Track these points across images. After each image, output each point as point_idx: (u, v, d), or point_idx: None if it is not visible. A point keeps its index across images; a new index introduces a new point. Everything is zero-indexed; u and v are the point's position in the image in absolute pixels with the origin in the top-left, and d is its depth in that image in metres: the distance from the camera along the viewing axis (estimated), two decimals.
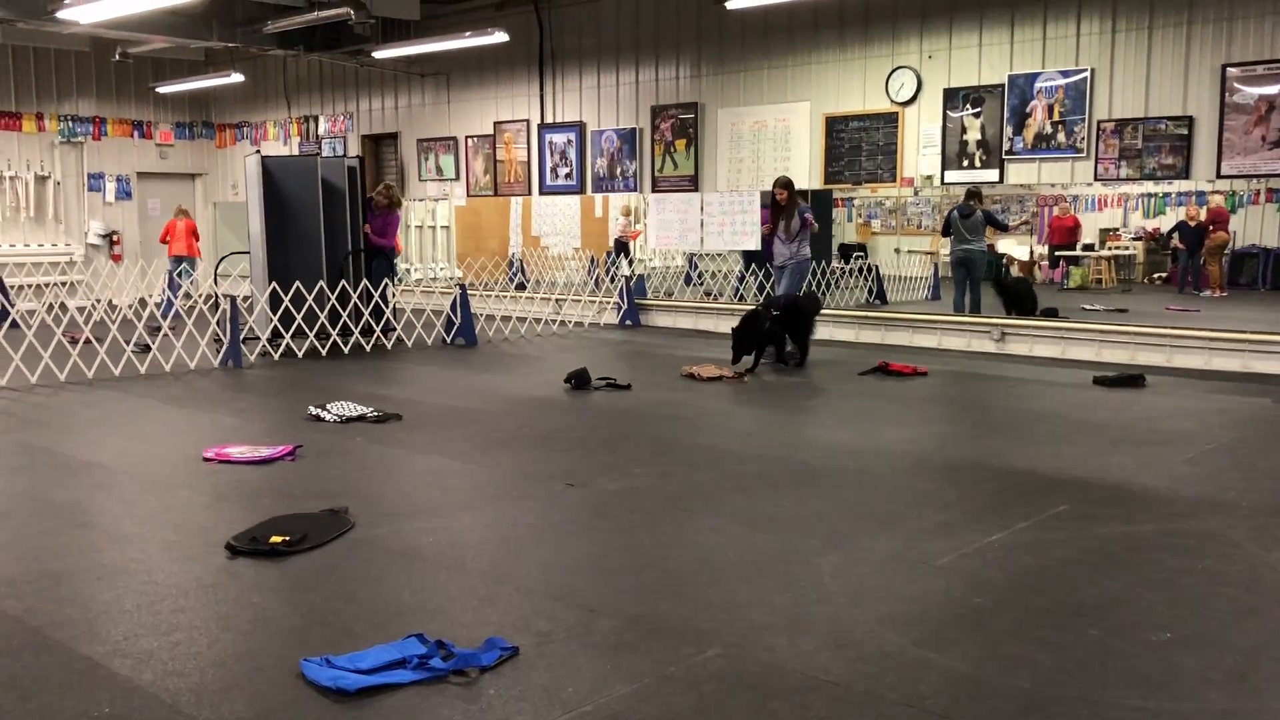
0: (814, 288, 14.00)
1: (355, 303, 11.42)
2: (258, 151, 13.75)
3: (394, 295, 12.11)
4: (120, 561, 4.55)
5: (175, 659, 3.52)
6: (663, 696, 3.23)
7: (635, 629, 3.75)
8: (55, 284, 17.18)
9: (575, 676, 3.37)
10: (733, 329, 10.24)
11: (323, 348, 11.18)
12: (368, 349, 11.48)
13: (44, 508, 5.42)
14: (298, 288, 10.93)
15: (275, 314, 10.88)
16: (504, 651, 3.50)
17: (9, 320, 11.95)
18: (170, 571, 4.42)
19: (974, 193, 12.51)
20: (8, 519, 5.24)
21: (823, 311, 12.86)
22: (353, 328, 11.35)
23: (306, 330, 11.03)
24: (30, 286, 16.96)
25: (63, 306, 13.23)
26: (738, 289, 14.61)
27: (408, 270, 18.55)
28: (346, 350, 11.36)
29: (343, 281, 11.39)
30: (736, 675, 3.38)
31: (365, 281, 11.63)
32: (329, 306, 11.28)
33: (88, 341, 10.30)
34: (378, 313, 11.71)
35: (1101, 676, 3.38)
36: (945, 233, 13.05)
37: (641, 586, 4.20)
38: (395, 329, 11.93)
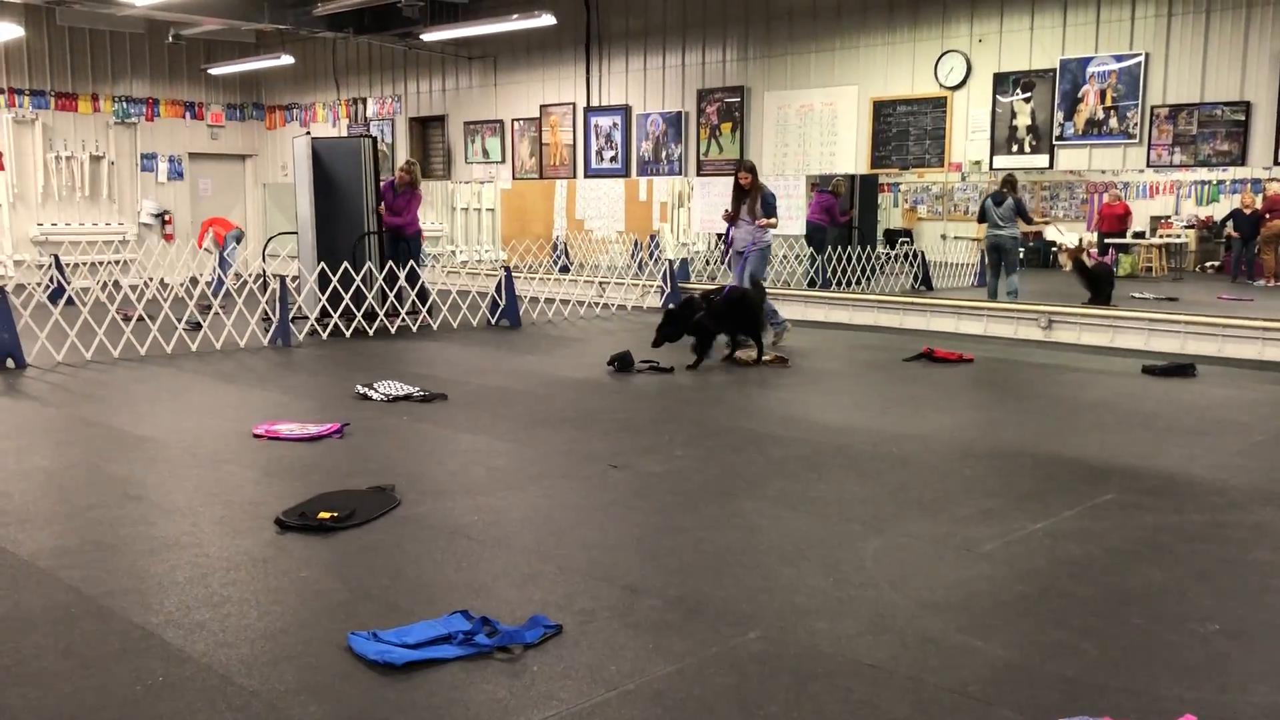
0: (821, 274, 13.94)
1: (381, 285, 11.40)
2: (307, 133, 13.87)
3: (403, 279, 11.97)
4: (172, 534, 4.64)
5: (226, 630, 3.60)
6: (704, 676, 3.26)
7: (677, 609, 3.77)
8: (109, 262, 17.48)
9: (618, 655, 3.40)
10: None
11: (370, 327, 11.29)
12: (392, 331, 11.57)
13: (99, 481, 5.54)
14: (346, 268, 11.05)
15: (330, 293, 10.99)
16: (548, 629, 3.54)
17: (65, 297, 12.18)
18: (221, 545, 4.50)
19: (1009, 180, 12.61)
20: (64, 491, 5.36)
21: (863, 297, 12.80)
22: (377, 309, 11.32)
23: (354, 310, 11.14)
24: (85, 264, 17.27)
25: (116, 284, 13.46)
26: (808, 272, 14.52)
27: (453, 252, 18.67)
28: (371, 331, 11.46)
29: (368, 265, 11.44)
30: (777, 657, 3.40)
31: (391, 264, 11.59)
32: (376, 287, 11.39)
33: (140, 319, 10.49)
34: (407, 295, 11.70)
35: (1147, 666, 3.35)
36: (981, 219, 13.17)
37: (683, 567, 4.22)
38: (421, 312, 11.90)
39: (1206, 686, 3.21)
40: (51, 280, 14.10)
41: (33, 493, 5.37)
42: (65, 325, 9.75)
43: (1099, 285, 12.16)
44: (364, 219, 11.67)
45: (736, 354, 9.65)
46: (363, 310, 11.27)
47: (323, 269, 11.08)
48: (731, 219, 10.61)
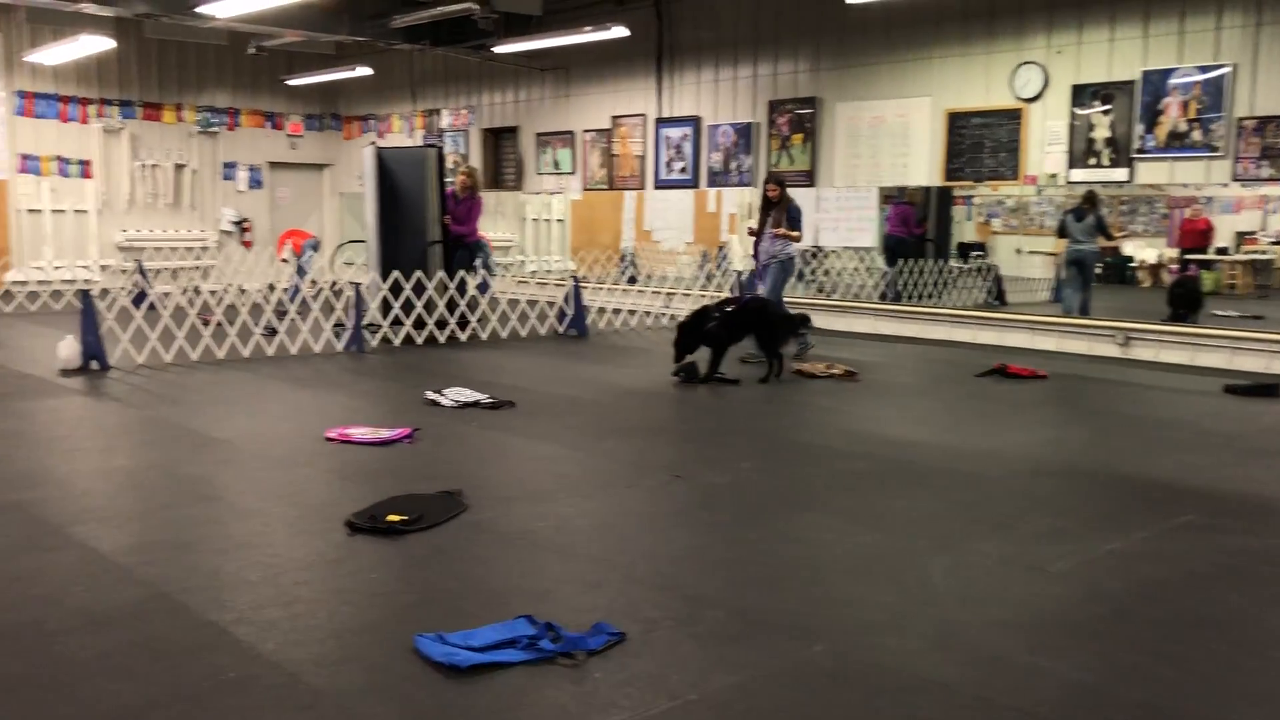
0: (894, 287, 13.74)
1: (431, 294, 11.40)
2: (373, 143, 14.09)
3: (471, 288, 11.95)
4: (245, 534, 4.74)
5: (296, 629, 3.66)
6: (767, 690, 3.23)
7: (741, 621, 3.76)
8: (190, 268, 17.93)
9: (680, 665, 3.39)
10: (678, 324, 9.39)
11: (441, 335, 11.43)
12: (462, 339, 11.68)
13: (176, 481, 5.68)
14: (418, 277, 11.20)
15: (398, 300, 11.15)
16: (611, 637, 3.54)
17: (147, 302, 12.51)
18: (292, 545, 4.59)
19: (1090, 196, 12.46)
20: (141, 490, 5.51)
21: (935, 311, 12.62)
22: (427, 319, 11.29)
23: (426, 318, 11.28)
24: (167, 270, 17.73)
25: (196, 290, 13.80)
26: (878, 285, 14.40)
27: (522, 262, 18.82)
28: (442, 339, 11.58)
29: (439, 274, 11.55)
30: (842, 672, 3.36)
31: (441, 273, 11.63)
32: (448, 296, 11.53)
33: (219, 324, 10.73)
34: (454, 306, 11.65)
35: (1224, 693, 3.26)
36: (1060, 234, 13.01)
37: (747, 580, 4.20)
38: (470, 322, 11.82)
39: None
40: (135, 285, 14.49)
41: (113, 491, 5.52)
42: (147, 329, 10.02)
43: (1190, 301, 12.00)
44: (428, 228, 11.76)
45: (799, 366, 9.59)
46: (434, 318, 11.40)
47: (395, 278, 11.23)
48: (757, 232, 10.50)
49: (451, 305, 11.74)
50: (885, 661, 3.44)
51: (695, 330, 9.17)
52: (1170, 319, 11.85)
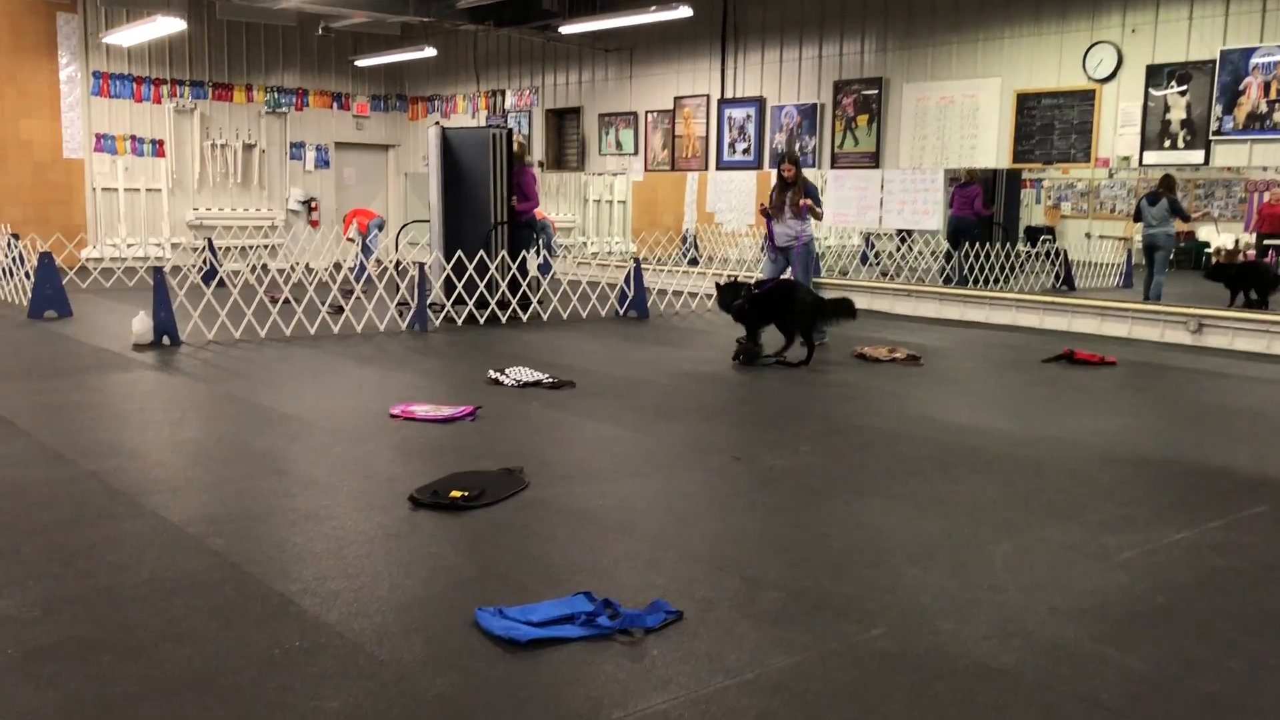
0: (959, 270, 13.52)
1: (493, 275, 11.47)
2: (437, 123, 14.18)
3: (532, 268, 11.89)
4: (312, 507, 4.82)
5: (359, 601, 3.72)
6: (825, 671, 3.23)
7: (799, 603, 3.75)
8: (258, 246, 18.24)
9: (737, 645, 3.39)
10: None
11: (503, 315, 11.51)
12: (524, 319, 11.74)
13: (244, 454, 5.80)
14: (481, 257, 11.29)
15: (460, 280, 11.24)
16: (668, 615, 3.56)
17: (216, 279, 12.76)
18: (357, 519, 4.66)
19: (1166, 180, 12.25)
20: (211, 462, 5.63)
21: (1001, 296, 12.43)
22: (489, 299, 11.36)
23: (488, 298, 11.37)
24: (236, 248, 18.07)
25: (264, 268, 14.04)
26: (944, 269, 14.26)
27: (584, 244, 18.86)
28: (504, 319, 11.65)
29: (502, 254, 11.62)
30: (900, 655, 3.34)
31: (504, 253, 11.67)
32: (510, 276, 11.60)
33: (286, 301, 10.91)
34: (515, 286, 11.70)
35: None
36: (1136, 218, 12.81)
37: (806, 562, 4.19)
38: (531, 303, 11.80)
39: None
40: (205, 263, 14.78)
41: (184, 463, 5.65)
42: (216, 305, 10.22)
43: (1261, 281, 11.74)
44: (491, 209, 11.82)
45: (861, 350, 9.51)
46: (496, 298, 11.49)
47: (458, 258, 11.32)
48: (773, 213, 10.17)
49: (514, 285, 11.81)
50: (945, 646, 3.41)
51: (730, 296, 9.25)
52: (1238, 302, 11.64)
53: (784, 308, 9.03)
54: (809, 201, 10.14)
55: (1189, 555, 4.33)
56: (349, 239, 16.08)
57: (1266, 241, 17.71)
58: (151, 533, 4.42)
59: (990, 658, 3.33)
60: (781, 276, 10.03)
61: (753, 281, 9.62)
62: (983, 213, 14.20)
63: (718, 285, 9.56)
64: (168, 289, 9.58)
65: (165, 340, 9.48)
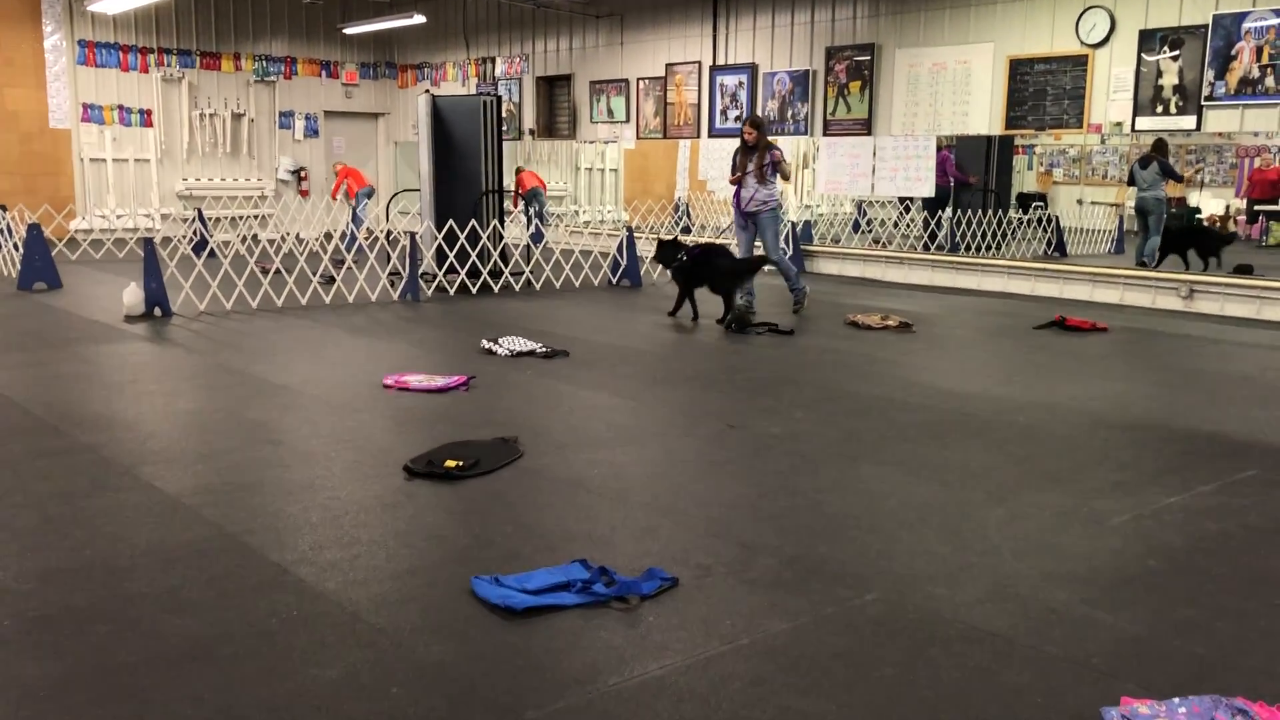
0: (962, 236, 13.56)
1: (485, 243, 11.43)
2: (428, 91, 14.07)
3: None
4: (307, 478, 4.83)
5: (356, 570, 3.74)
6: (819, 636, 3.26)
7: (793, 569, 3.78)
8: (248, 217, 18.16)
9: (733, 610, 3.42)
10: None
11: (495, 284, 11.49)
12: (516, 289, 11.72)
13: (239, 425, 5.80)
14: (472, 226, 11.25)
15: (452, 250, 11.21)
16: (664, 581, 3.58)
17: (207, 250, 12.71)
18: (352, 489, 4.67)
19: (1158, 143, 12.23)
20: (206, 433, 5.63)
21: (992, 262, 12.45)
22: (481, 268, 11.29)
23: (480, 267, 11.34)
24: (226, 219, 17.98)
25: (255, 238, 13.98)
26: (922, 236, 14.30)
27: (576, 212, 18.80)
28: (496, 288, 11.63)
29: (493, 223, 11.60)
30: (894, 620, 3.37)
31: (495, 222, 11.63)
32: (501, 245, 11.56)
33: (278, 272, 10.88)
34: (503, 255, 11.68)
35: None
36: (1130, 182, 12.81)
37: (801, 528, 4.21)
38: (503, 272, 11.65)
39: None
40: (195, 233, 14.72)
41: (178, 434, 5.65)
42: (208, 276, 10.18)
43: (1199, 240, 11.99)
44: (482, 177, 11.79)
45: (853, 317, 9.52)
46: (489, 267, 11.46)
47: (450, 227, 11.29)
48: (738, 179, 9.86)
49: (504, 255, 11.79)
50: (939, 611, 3.44)
51: (671, 251, 9.69)
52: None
53: (711, 269, 9.47)
54: (779, 153, 9.81)
55: (1180, 519, 4.37)
56: (335, 198, 16.01)
57: (1257, 207, 17.74)
58: (148, 504, 4.43)
59: (983, 622, 3.37)
60: (754, 246, 9.97)
61: (691, 245, 9.86)
62: (959, 177, 14.21)
63: (659, 241, 9.84)
64: (158, 260, 9.54)
65: (157, 311, 9.45)
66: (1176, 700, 2.81)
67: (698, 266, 9.52)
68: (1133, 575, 3.78)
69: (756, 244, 10.02)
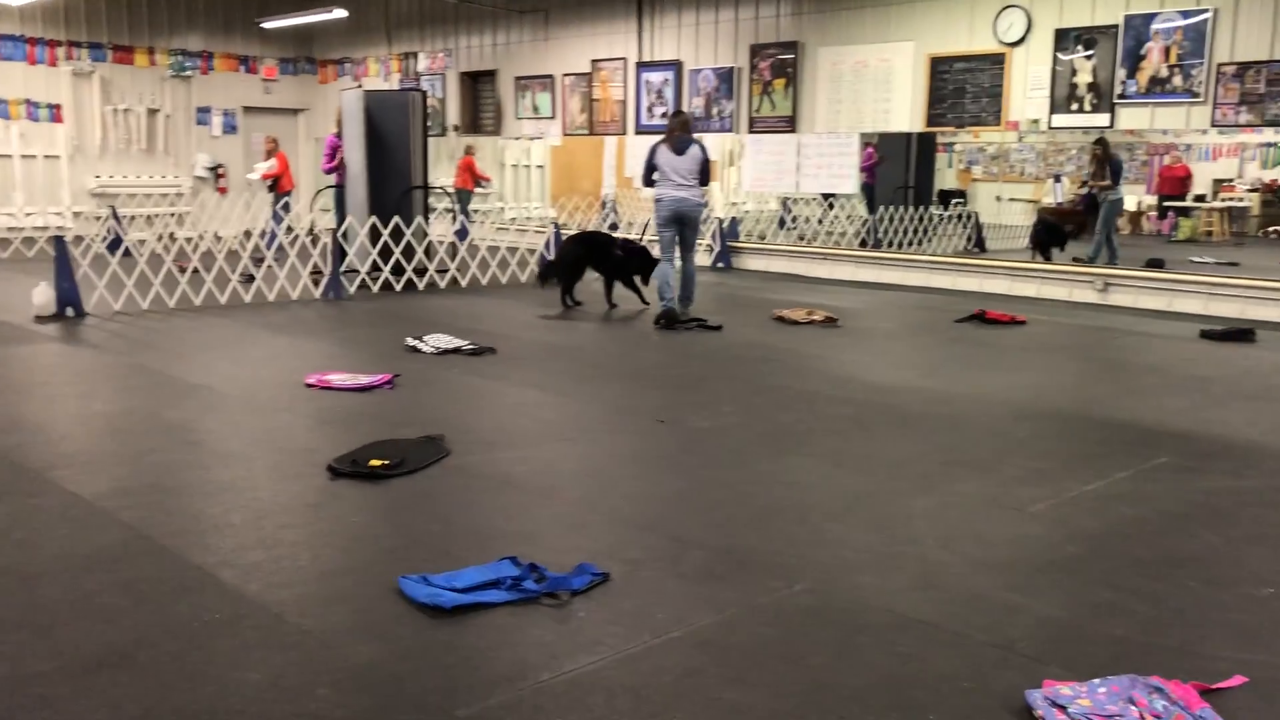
0: (886, 233, 13.78)
1: (410, 240, 11.26)
2: (359, 85, 13.89)
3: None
4: (228, 479, 4.73)
5: (280, 571, 3.67)
6: (750, 626, 3.27)
7: (724, 561, 3.79)
8: (165, 215, 17.71)
9: (664, 603, 3.42)
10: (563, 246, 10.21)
11: (420, 282, 11.36)
12: (442, 285, 11.62)
13: (156, 426, 5.65)
14: (397, 222, 11.11)
15: (376, 246, 11.04)
16: (595, 577, 3.57)
17: (122, 248, 12.37)
18: (275, 490, 4.58)
19: (1099, 141, 12.71)
20: (123, 436, 5.48)
21: (915, 258, 12.65)
22: (406, 265, 11.15)
23: (405, 264, 11.20)
24: (141, 217, 17.51)
25: (171, 236, 13.64)
26: (859, 232, 14.47)
27: (502, 209, 18.66)
28: (421, 285, 11.52)
29: (417, 219, 11.47)
30: (823, 610, 3.40)
31: (419, 219, 11.51)
32: (426, 242, 11.43)
33: (195, 270, 10.63)
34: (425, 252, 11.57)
35: (1199, 628, 3.32)
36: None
37: (730, 521, 4.23)
38: (427, 269, 11.53)
39: (1260, 649, 3.16)
40: (109, 232, 14.31)
41: (93, 437, 5.49)
42: (123, 275, 9.91)
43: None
44: (411, 173, 11.66)
45: (780, 313, 9.60)
46: (414, 264, 11.33)
47: (372, 223, 11.12)
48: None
49: (429, 251, 11.66)
50: (867, 600, 3.48)
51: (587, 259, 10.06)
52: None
53: (560, 262, 10.00)
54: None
55: (1097, 505, 4.47)
56: (263, 176, 15.68)
57: (1166, 204, 18.25)
58: (61, 508, 4.29)
59: (911, 609, 3.41)
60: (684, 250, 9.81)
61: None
62: (870, 175, 14.58)
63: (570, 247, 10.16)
64: (70, 259, 9.26)
65: (69, 312, 9.17)
66: (1096, 681, 2.87)
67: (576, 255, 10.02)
68: (1054, 561, 3.86)
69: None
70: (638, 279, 10.14)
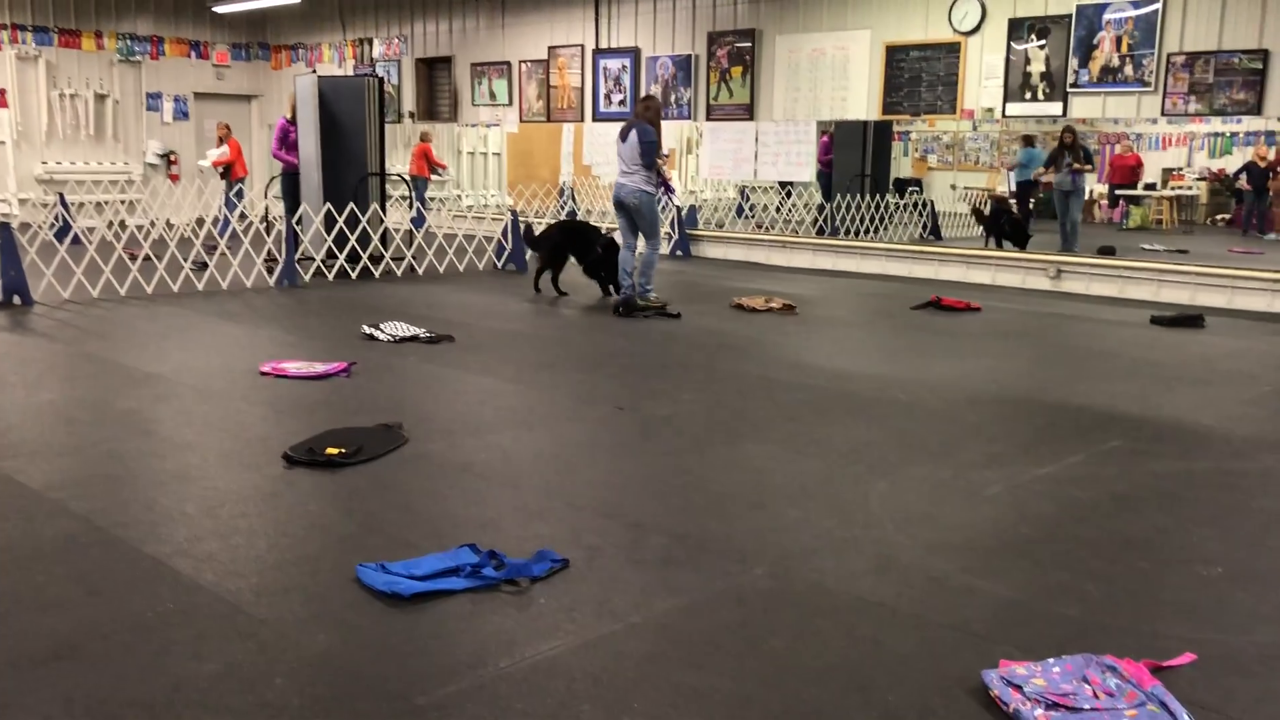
0: (842, 221, 13.87)
1: (365, 227, 11.16)
2: (313, 71, 13.72)
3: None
4: (181, 468, 4.66)
5: (235, 561, 3.63)
6: (709, 611, 3.28)
7: (683, 546, 3.80)
8: (115, 202, 17.41)
9: (624, 589, 3.42)
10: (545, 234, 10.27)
11: (376, 269, 11.27)
12: (376, 275, 11.54)
13: (107, 416, 5.56)
14: (352, 210, 11.00)
15: (331, 234, 10.93)
16: (554, 563, 3.56)
17: (71, 236, 12.15)
18: (229, 479, 4.53)
19: (1065, 129, 12.93)
20: (73, 425, 5.38)
21: (871, 245, 12.73)
22: (361, 252, 11.05)
23: (360, 251, 11.10)
24: (91, 204, 17.20)
25: (122, 224, 13.41)
26: (817, 220, 14.54)
27: (459, 196, 18.55)
28: (377, 273, 11.43)
29: (373, 206, 11.38)
30: (782, 594, 3.42)
31: (375, 206, 11.42)
32: (382, 229, 11.32)
33: (147, 258, 10.46)
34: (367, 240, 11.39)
35: (1150, 608, 3.37)
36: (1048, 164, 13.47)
37: (690, 507, 4.24)
38: (383, 257, 11.46)
39: (1208, 627, 3.23)
40: (57, 219, 14.05)
41: (42, 426, 5.39)
42: (72, 263, 9.73)
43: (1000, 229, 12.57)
44: (368, 160, 11.54)
45: (739, 300, 9.62)
46: (369, 252, 11.22)
47: (328, 210, 11.01)
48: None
49: (385, 239, 11.55)
50: (825, 583, 3.50)
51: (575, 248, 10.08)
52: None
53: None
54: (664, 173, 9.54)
55: (1051, 488, 4.54)
56: (214, 163, 15.47)
57: (1118, 192, 18.51)
58: (8, 498, 4.21)
59: (868, 592, 3.44)
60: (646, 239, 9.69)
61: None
62: (825, 162, 14.71)
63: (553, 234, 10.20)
64: (17, 246, 9.07)
65: (16, 300, 8.99)
66: (1051, 661, 2.91)
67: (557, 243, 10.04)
68: (1008, 543, 3.91)
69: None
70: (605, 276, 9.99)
